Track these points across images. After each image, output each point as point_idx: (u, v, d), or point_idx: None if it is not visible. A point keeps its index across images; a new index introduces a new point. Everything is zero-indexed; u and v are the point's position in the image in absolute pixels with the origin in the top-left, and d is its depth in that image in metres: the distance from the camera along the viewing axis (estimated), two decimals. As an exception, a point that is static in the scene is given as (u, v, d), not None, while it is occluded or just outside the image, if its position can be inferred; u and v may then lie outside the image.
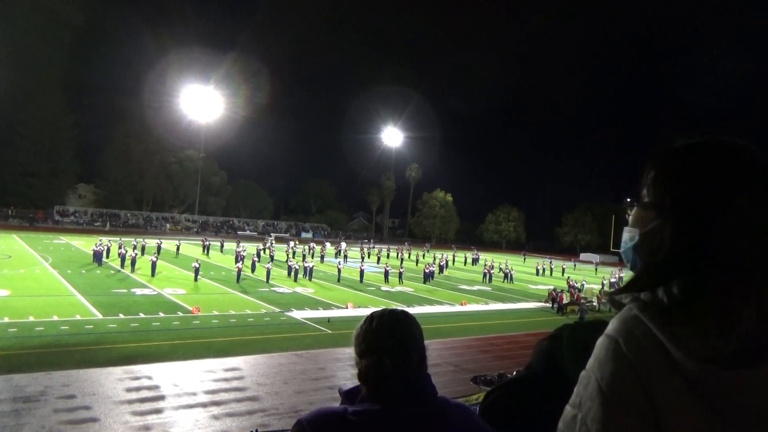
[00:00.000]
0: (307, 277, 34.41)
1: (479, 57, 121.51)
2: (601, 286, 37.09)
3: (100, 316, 20.08)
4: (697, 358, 0.73)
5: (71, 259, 35.54)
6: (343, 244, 55.12)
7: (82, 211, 73.51)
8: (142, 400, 12.25)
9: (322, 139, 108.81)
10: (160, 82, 72.62)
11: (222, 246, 51.13)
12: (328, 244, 57.18)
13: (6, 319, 18.19)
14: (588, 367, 0.83)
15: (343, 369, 15.82)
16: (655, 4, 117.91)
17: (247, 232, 79.09)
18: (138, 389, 12.94)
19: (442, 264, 45.85)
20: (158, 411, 11.78)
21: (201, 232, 72.35)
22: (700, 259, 0.80)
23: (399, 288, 34.06)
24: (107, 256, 35.52)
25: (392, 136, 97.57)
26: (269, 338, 18.87)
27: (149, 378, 13.83)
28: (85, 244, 44.40)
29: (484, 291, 36.62)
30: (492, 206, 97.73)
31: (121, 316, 20.37)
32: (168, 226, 75.72)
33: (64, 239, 50.31)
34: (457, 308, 28.65)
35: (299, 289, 30.09)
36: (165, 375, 14.15)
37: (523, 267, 56.60)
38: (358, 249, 57.41)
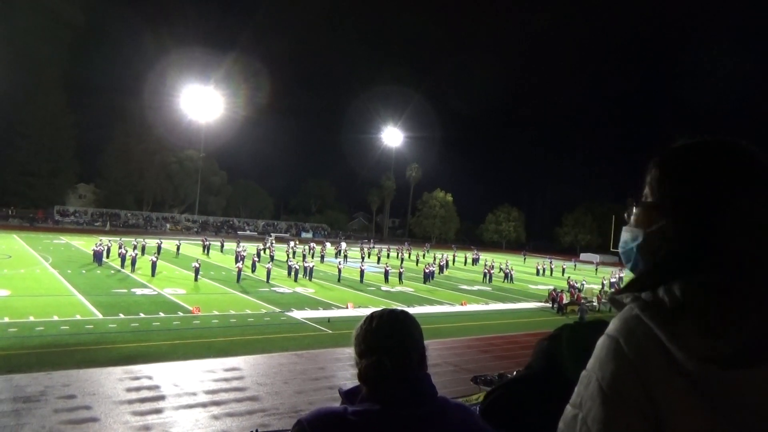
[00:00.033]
0: (308, 277, 34.41)
1: (479, 57, 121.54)
2: (601, 286, 37.08)
3: (101, 316, 20.09)
4: (698, 358, 0.73)
5: (71, 259, 35.55)
6: (343, 244, 55.11)
7: (83, 211, 73.53)
8: (143, 400, 12.25)
9: (322, 139, 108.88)
10: (161, 81, 72.72)
11: (222, 246, 51.13)
12: (328, 244, 57.19)
13: (6, 319, 18.20)
14: (589, 366, 0.83)
15: (343, 369, 15.82)
16: (655, 4, 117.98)
17: (248, 232, 79.09)
18: (138, 389, 12.95)
19: (442, 264, 45.84)
20: (158, 411, 11.79)
21: (201, 232, 72.36)
22: (700, 259, 0.80)
23: (399, 288, 34.05)
24: (107, 256, 35.52)
25: (392, 136, 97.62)
26: (269, 338, 18.87)
27: (149, 378, 13.84)
28: (85, 244, 44.41)
29: (484, 291, 36.62)
30: (492, 206, 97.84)
31: (122, 316, 20.37)
32: (168, 226, 75.73)
33: (64, 239, 50.32)
34: (457, 308, 28.65)
35: (299, 289, 30.09)
36: (165, 375, 14.15)
37: (524, 267, 56.60)
38: (358, 249, 57.41)
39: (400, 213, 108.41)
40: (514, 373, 1.50)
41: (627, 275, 0.91)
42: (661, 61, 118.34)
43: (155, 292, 25.85)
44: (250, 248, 45.96)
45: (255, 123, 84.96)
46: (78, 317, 19.62)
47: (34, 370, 13.54)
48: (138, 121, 74.24)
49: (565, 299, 31.13)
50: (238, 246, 44.48)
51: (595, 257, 72.86)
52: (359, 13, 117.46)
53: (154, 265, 31.16)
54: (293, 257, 40.31)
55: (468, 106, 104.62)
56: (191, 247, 48.77)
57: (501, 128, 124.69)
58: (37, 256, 36.21)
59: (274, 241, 53.38)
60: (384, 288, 33.37)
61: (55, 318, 19.06)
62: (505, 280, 42.48)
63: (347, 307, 25.29)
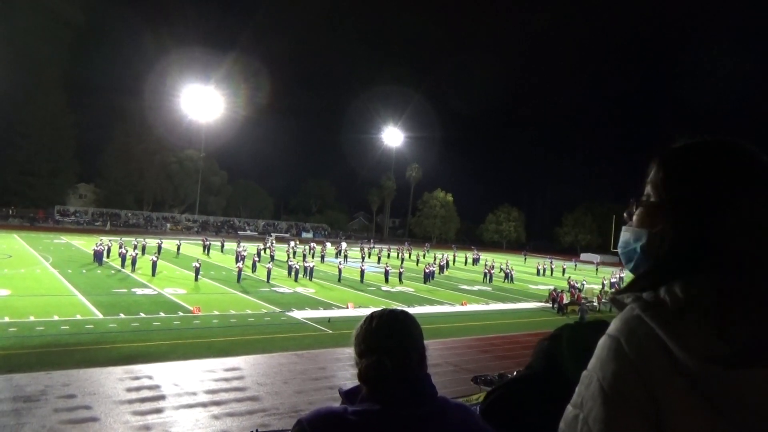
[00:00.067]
0: (308, 277, 34.41)
1: (479, 57, 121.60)
2: (601, 286, 37.08)
3: (101, 316, 20.09)
4: (699, 358, 0.73)
5: (72, 259, 35.56)
6: (344, 244, 55.11)
7: (83, 211, 73.55)
8: (143, 400, 12.25)
9: (322, 139, 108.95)
10: (161, 81, 72.77)
11: (222, 246, 51.15)
12: (328, 244, 57.20)
13: (6, 319, 18.20)
14: (590, 366, 0.83)
15: (343, 369, 15.82)
16: (655, 4, 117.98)
17: (248, 232, 79.13)
18: (138, 389, 12.95)
19: (442, 264, 45.84)
20: (158, 411, 11.79)
21: (201, 232, 72.39)
22: (701, 259, 0.80)
23: (399, 288, 34.05)
24: (108, 256, 35.54)
25: (392, 136, 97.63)
26: (270, 338, 18.87)
27: (150, 378, 13.84)
28: (85, 244, 44.42)
29: (484, 291, 36.61)
30: (492, 206, 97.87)
31: (122, 315, 20.37)
32: (168, 225, 75.75)
33: (64, 239, 50.33)
34: (458, 308, 28.65)
35: (300, 289, 30.09)
36: (165, 375, 14.15)
37: (524, 267, 56.59)
38: (359, 249, 57.42)
39: (400, 213, 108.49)
40: (515, 373, 1.50)
41: (627, 275, 0.91)
42: (661, 61, 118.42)
43: (155, 292, 25.85)
44: (250, 248, 45.96)
45: (255, 123, 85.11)
46: (78, 317, 19.63)
47: (34, 369, 13.55)
48: (138, 121, 74.27)
49: (566, 299, 31.12)
50: (238, 246, 44.47)
51: (596, 257, 72.87)
52: (359, 13, 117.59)
53: (154, 265, 31.17)
54: (293, 257, 40.32)
55: (468, 106, 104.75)
56: (191, 247, 48.78)
57: (501, 128, 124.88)
58: (37, 255, 36.22)
59: (274, 241, 53.39)
60: (384, 288, 33.36)
61: (56, 318, 19.07)
62: (506, 280, 42.48)
63: (347, 307, 25.30)
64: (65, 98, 70.83)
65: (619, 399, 0.76)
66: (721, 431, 0.72)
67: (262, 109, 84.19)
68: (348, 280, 34.85)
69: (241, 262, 34.15)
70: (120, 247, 35.37)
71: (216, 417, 11.70)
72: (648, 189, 0.90)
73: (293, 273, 34.19)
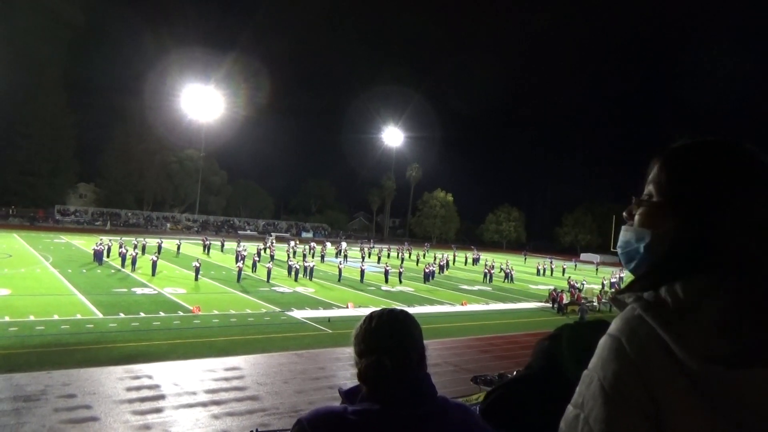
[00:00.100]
0: (308, 277, 34.41)
1: (479, 57, 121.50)
2: (601, 286, 37.09)
3: (101, 316, 20.09)
4: (700, 357, 0.73)
5: (72, 259, 35.56)
6: (344, 244, 55.13)
7: (83, 211, 73.55)
8: (143, 400, 12.26)
9: (322, 139, 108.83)
10: (161, 81, 72.74)
11: (222, 245, 51.15)
12: (328, 244, 57.20)
13: (6, 318, 18.20)
14: (590, 366, 0.83)
15: (343, 369, 15.82)
16: (655, 4, 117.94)
17: (248, 232, 79.13)
18: (138, 388, 12.95)
19: (442, 264, 45.84)
20: (158, 410, 11.79)
21: (201, 232, 72.37)
22: (701, 259, 0.80)
23: (399, 288, 34.05)
24: (108, 256, 35.54)
25: (392, 136, 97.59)
26: (270, 338, 18.87)
27: (150, 377, 13.84)
28: (85, 244, 44.42)
29: (484, 291, 36.61)
30: (492, 206, 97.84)
31: (122, 315, 20.38)
32: (168, 225, 75.77)
33: (64, 238, 50.33)
34: (458, 308, 28.65)
35: (300, 289, 30.09)
36: (165, 374, 14.15)
37: (524, 267, 56.60)
38: (359, 249, 57.43)
39: (400, 213, 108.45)
40: (515, 373, 1.50)
41: (627, 276, 0.90)
42: (661, 61, 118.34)
43: (155, 292, 25.86)
44: (250, 248, 45.97)
45: (255, 123, 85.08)
46: (78, 316, 19.63)
47: (34, 369, 13.55)
48: (138, 121, 74.26)
49: (566, 299, 31.12)
50: (238, 245, 44.49)
51: (596, 257, 72.89)
52: (359, 13, 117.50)
53: (154, 265, 31.17)
54: (293, 257, 40.32)
55: (468, 106, 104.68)
56: (191, 247, 48.78)
57: (501, 128, 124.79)
58: (37, 255, 36.22)
59: (274, 241, 53.38)
60: (384, 288, 33.37)
61: (56, 317, 19.07)
62: (506, 280, 42.48)
63: (347, 307, 25.30)
64: (65, 98, 70.84)
65: (620, 399, 0.76)
66: (722, 431, 0.72)
67: (262, 109, 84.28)
68: (348, 279, 34.85)
69: (241, 261, 34.15)
70: (120, 247, 35.36)
71: (216, 416, 11.70)
72: (650, 188, 0.90)
73: (293, 273, 34.19)
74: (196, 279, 30.09)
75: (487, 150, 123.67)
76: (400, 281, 36.21)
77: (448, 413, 1.35)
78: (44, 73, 67.48)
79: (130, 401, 12.10)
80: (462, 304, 29.51)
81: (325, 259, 46.80)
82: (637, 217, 0.91)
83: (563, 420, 0.84)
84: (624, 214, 0.94)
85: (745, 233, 0.79)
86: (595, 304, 31.30)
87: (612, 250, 57.90)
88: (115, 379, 13.45)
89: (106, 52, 75.30)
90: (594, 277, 48.07)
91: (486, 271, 42.75)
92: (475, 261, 57.26)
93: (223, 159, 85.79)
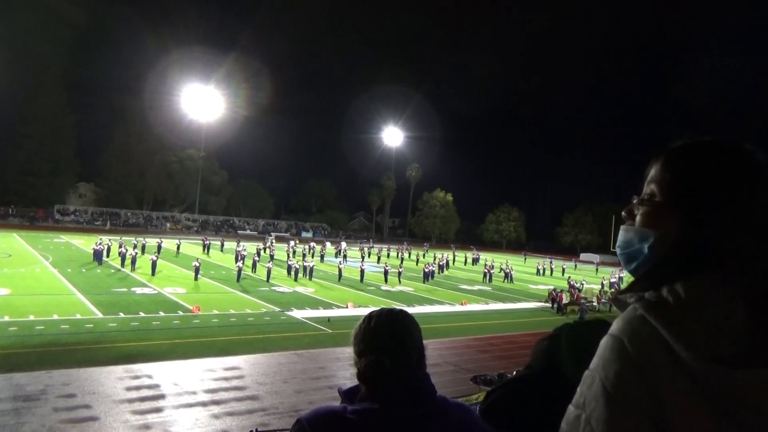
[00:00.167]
0: (308, 277, 34.42)
1: (480, 57, 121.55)
2: (600, 286, 37.10)
3: (101, 315, 20.10)
4: (703, 357, 0.73)
5: (71, 258, 35.56)
6: (344, 244, 55.13)
7: (83, 210, 73.56)
8: (142, 399, 12.26)
9: (322, 139, 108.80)
10: (161, 81, 72.74)
11: (222, 245, 51.15)
12: (328, 244, 57.21)
13: (6, 318, 18.20)
14: (592, 366, 0.82)
15: (342, 368, 15.82)
16: (655, 4, 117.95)
17: (248, 232, 79.11)
18: (138, 388, 12.95)
19: (442, 264, 45.85)
20: (158, 410, 11.79)
21: (201, 232, 72.36)
22: (701, 259, 0.80)
23: (399, 287, 34.06)
24: (107, 255, 35.54)
25: (392, 136, 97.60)
26: (269, 337, 18.87)
27: (149, 377, 13.84)
28: (85, 243, 44.42)
29: (484, 291, 36.62)
30: (492, 206, 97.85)
31: (122, 315, 20.38)
32: (168, 225, 75.77)
33: (64, 238, 50.33)
34: (457, 308, 28.66)
35: (299, 289, 30.09)
36: (165, 374, 14.15)
37: (524, 267, 56.61)
38: (358, 249, 57.43)
39: (400, 213, 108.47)
40: (514, 373, 1.50)
41: (627, 276, 0.90)
42: (661, 61, 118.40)
43: (155, 291, 25.86)
44: (250, 248, 45.97)
45: (255, 123, 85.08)
46: (78, 316, 19.63)
47: (34, 368, 13.55)
48: (138, 121, 74.24)
49: (565, 299, 31.14)
50: (238, 245, 44.49)
51: (596, 257, 72.90)
52: (359, 13, 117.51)
53: (154, 264, 31.17)
54: (293, 257, 40.32)
55: (468, 106, 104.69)
56: (191, 247, 48.77)
57: (501, 128, 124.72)
58: (37, 255, 36.23)
59: (274, 241, 53.39)
60: (384, 288, 33.37)
61: (55, 317, 19.07)
62: (505, 280, 42.48)
63: (347, 307, 25.30)
64: (66, 98, 70.86)
65: (621, 399, 0.76)
66: (724, 431, 0.72)
67: (263, 109, 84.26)
68: (348, 279, 34.86)
69: (241, 261, 34.15)
70: (120, 247, 35.36)
71: (216, 416, 11.70)
72: (652, 188, 0.90)
73: (293, 272, 34.20)
74: (196, 279, 30.09)
75: (487, 150, 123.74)
76: (400, 281, 36.22)
77: (447, 413, 1.35)
78: (44, 72, 67.53)
79: (130, 401, 12.10)
80: (462, 304, 29.51)
81: (324, 258, 46.81)
82: (639, 218, 0.90)
83: (564, 420, 0.83)
84: (623, 213, 0.93)
85: (745, 233, 0.79)
86: (594, 304, 31.30)
87: (612, 250, 57.89)
88: (114, 378, 13.45)
89: (107, 52, 75.47)
90: (594, 277, 48.07)
91: (486, 271, 42.76)
92: (475, 261, 57.27)
93: (224, 159, 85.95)
